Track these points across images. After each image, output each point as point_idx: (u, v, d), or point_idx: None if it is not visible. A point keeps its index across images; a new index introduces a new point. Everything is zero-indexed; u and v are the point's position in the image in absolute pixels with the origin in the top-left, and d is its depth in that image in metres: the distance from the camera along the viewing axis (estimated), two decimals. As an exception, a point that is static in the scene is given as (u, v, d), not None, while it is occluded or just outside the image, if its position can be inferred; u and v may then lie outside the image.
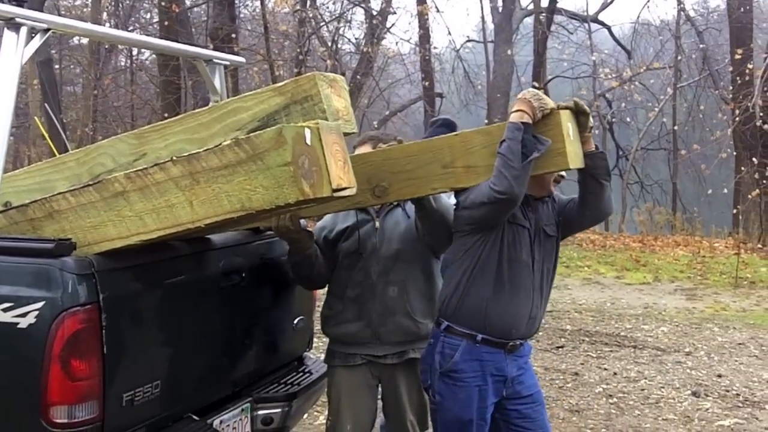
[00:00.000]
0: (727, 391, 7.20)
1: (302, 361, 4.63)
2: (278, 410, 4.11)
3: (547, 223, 3.79)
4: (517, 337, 3.70)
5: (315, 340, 5.01)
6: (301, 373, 4.42)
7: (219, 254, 3.80)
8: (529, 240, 3.70)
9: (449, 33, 44.28)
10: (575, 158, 3.57)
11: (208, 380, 3.80)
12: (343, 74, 19.98)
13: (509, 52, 19.64)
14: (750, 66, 16.92)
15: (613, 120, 23.33)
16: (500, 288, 3.62)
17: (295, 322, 4.38)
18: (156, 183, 3.09)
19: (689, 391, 7.15)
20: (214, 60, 4.54)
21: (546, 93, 20.29)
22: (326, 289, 4.23)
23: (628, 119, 24.16)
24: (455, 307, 3.64)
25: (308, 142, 3.00)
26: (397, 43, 32.05)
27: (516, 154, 3.39)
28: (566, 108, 3.57)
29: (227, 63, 4.70)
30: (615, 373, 7.72)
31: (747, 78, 16.85)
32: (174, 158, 3.09)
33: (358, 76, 20.84)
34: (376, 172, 3.78)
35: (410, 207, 4.08)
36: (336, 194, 3.14)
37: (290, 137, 2.94)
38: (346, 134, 3.46)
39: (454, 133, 3.95)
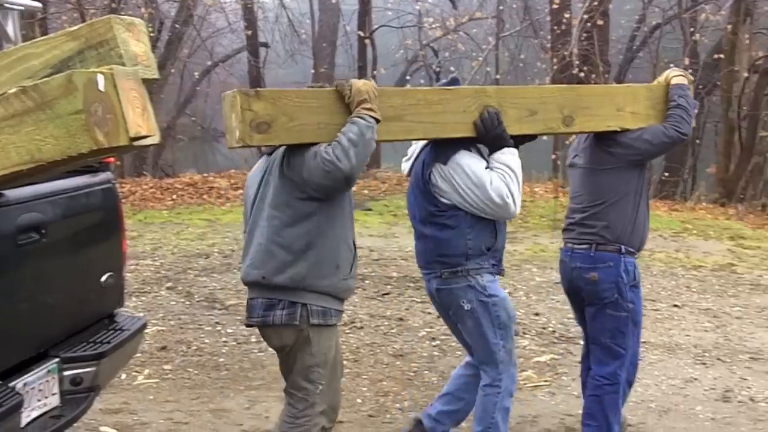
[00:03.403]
0: (544, 328, 7.48)
1: (113, 319, 4.47)
2: (87, 369, 3.96)
3: None
4: None
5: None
6: (112, 331, 4.27)
7: (14, 210, 3.59)
8: None
9: (272, -20, 43.70)
10: None
11: (8, 342, 3.60)
12: (162, 24, 19.46)
13: (334, 0, 19.53)
14: (567, 15, 17.40)
15: (439, 69, 23.61)
16: (646, 213, 4.70)
17: (104, 278, 4.22)
18: (-63, 135, 2.89)
19: (508, 330, 7.36)
20: (5, 4, 4.26)
21: (372, 43, 20.31)
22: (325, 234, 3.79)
23: (452, 69, 24.50)
24: (630, 233, 4.57)
25: (101, 88, 2.85)
26: (217, -10, 31.34)
27: (692, 105, 4.60)
28: None
29: (21, 8, 4.42)
30: (438, 317, 7.85)
31: (564, 27, 17.32)
32: (-44, 108, 2.89)
33: (177, 26, 20.29)
34: (568, 104, 4.32)
35: None
36: (135, 143, 3.01)
37: (81, 84, 2.80)
38: (146, 80, 3.31)
39: (625, 84, 4.89)
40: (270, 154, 3.93)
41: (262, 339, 6.92)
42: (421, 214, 4.30)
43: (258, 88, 3.60)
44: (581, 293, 4.70)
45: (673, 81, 4.65)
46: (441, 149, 4.15)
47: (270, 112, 3.52)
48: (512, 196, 4.05)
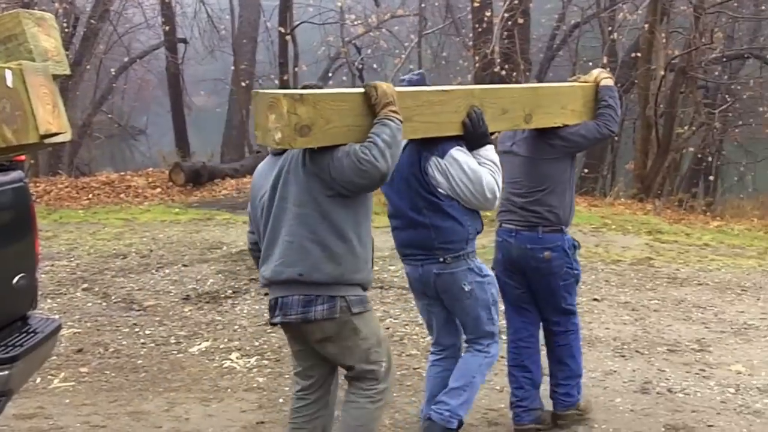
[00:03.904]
0: (466, 324, 7.47)
1: (26, 321, 4.34)
2: (-2, 374, 3.84)
3: None
4: None
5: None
6: (24, 334, 4.14)
7: None
8: None
9: (190, -25, 43.18)
10: None
11: None
12: (77, 19, 19.06)
13: (255, -4, 19.39)
14: (488, 14, 17.50)
15: (362, 66, 23.59)
16: (574, 197, 5.18)
17: (15, 280, 4.09)
18: None
19: (430, 327, 7.36)
20: None
21: (293, 39, 20.14)
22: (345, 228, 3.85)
23: (375, 66, 24.52)
24: (567, 215, 5.05)
25: (9, 84, 2.77)
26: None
27: (618, 106, 5.16)
28: None
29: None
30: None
31: (486, 26, 17.41)
32: None
33: (93, 21, 19.89)
34: (529, 103, 4.71)
35: None
36: (45, 140, 2.93)
37: (-13, 79, 2.70)
38: (58, 76, 3.22)
39: (567, 84, 5.27)
40: (279, 153, 3.96)
41: (180, 341, 6.89)
42: (415, 203, 4.46)
43: (302, 92, 3.65)
44: (528, 270, 5.10)
45: (603, 82, 5.15)
46: (434, 143, 4.36)
47: (311, 116, 3.60)
48: (498, 190, 4.41)
